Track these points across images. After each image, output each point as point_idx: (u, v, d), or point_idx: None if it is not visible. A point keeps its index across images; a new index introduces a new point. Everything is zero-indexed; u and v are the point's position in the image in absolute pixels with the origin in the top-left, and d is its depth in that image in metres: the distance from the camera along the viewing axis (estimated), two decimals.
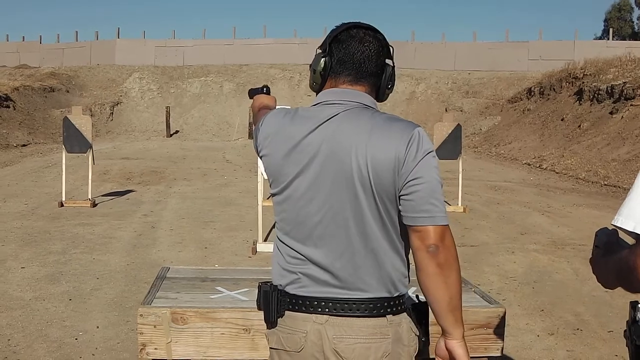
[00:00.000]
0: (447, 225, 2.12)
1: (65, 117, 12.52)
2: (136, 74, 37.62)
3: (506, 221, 11.13)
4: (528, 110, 28.35)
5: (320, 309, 2.16)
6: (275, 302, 2.23)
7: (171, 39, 41.02)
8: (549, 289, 7.22)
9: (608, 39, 41.83)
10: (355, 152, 2.11)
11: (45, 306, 6.26)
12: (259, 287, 2.30)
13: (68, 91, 34.76)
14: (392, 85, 2.35)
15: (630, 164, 17.30)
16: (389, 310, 2.16)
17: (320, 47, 2.32)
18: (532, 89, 29.74)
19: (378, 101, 2.34)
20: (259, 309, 2.30)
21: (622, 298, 6.83)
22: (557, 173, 18.96)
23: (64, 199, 11.95)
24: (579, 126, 22.69)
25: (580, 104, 24.42)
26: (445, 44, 38.71)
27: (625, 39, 45.67)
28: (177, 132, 31.70)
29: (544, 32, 61.51)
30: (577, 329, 5.91)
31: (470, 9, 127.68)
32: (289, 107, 2.33)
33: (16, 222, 10.30)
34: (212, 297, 3.35)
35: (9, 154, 21.82)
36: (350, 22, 2.30)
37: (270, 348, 2.28)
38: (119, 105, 34.70)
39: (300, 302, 2.19)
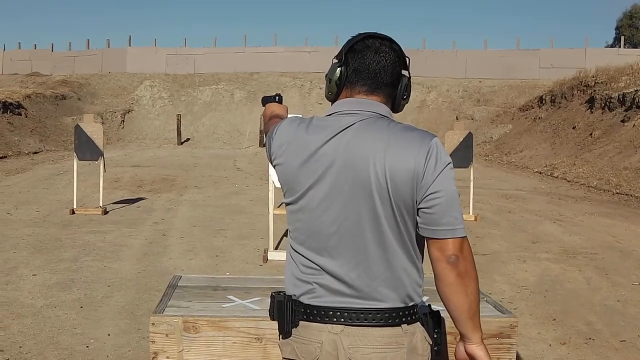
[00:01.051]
0: (465, 236, 2.13)
1: (77, 124, 12.56)
2: (147, 81, 37.76)
3: (517, 230, 11.10)
4: (539, 118, 28.30)
5: (335, 319, 2.16)
6: (289, 312, 2.23)
7: (182, 47, 41.18)
8: (561, 298, 7.18)
9: (619, 47, 41.71)
10: (373, 162, 2.11)
11: (56, 313, 6.26)
12: (272, 297, 2.30)
13: (80, 99, 34.90)
14: (408, 96, 2.35)
15: None
16: (404, 319, 2.17)
17: (336, 57, 2.33)
18: (544, 97, 29.70)
19: (393, 112, 2.34)
20: (272, 319, 2.30)
21: (634, 307, 6.81)
22: (568, 181, 18.90)
23: (75, 207, 11.97)
24: (591, 134, 22.63)
25: (592, 112, 24.36)
26: (456, 52, 38.72)
27: (637, 47, 45.48)
28: (188, 139, 31.77)
29: (555, 39, 61.31)
30: (589, 339, 5.88)
31: (481, 17, 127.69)
32: (302, 116, 2.32)
33: (27, 229, 10.33)
34: (224, 305, 3.35)
35: (20, 161, 21.90)
36: (366, 32, 2.30)
37: (284, 358, 2.28)
38: (130, 112, 34.84)
39: (315, 312, 2.19)
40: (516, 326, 3.06)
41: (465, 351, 2.22)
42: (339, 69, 2.29)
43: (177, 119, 31.32)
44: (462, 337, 2.21)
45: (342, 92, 2.30)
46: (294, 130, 2.26)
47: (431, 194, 2.09)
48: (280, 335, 2.28)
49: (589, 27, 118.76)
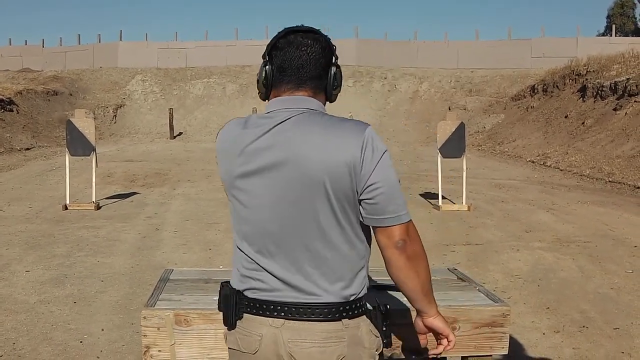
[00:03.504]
0: (410, 220, 2.16)
1: (69, 120, 12.51)
2: (139, 76, 37.69)
3: (511, 219, 11.12)
4: (531, 107, 28.33)
5: (276, 313, 2.19)
6: (233, 305, 2.27)
7: (174, 41, 41.15)
8: (554, 286, 7.20)
9: (611, 36, 41.82)
10: (310, 157, 2.11)
11: (49, 309, 6.25)
12: (220, 289, 2.34)
13: (71, 94, 34.80)
14: (339, 86, 2.36)
15: (634, 160, 17.28)
16: (344, 314, 2.18)
17: (262, 56, 2.33)
18: (536, 86, 29.74)
19: (328, 102, 2.38)
20: (219, 309, 2.34)
21: (627, 295, 6.83)
22: (561, 170, 18.94)
23: (68, 202, 11.95)
24: (583, 123, 22.67)
25: (584, 101, 24.40)
26: (447, 43, 38.75)
27: (628, 36, 45.52)
28: (180, 133, 31.72)
29: (546, 29, 61.33)
30: (583, 327, 5.89)
31: (472, 8, 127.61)
32: (244, 116, 2.34)
33: (20, 225, 10.31)
34: (216, 298, 3.32)
35: (12, 157, 21.84)
36: (289, 28, 2.30)
37: (229, 348, 2.32)
38: (122, 107, 34.76)
39: (258, 305, 2.22)
40: (508, 315, 3.06)
41: (424, 324, 2.31)
42: (264, 68, 2.30)
43: (170, 113, 31.25)
44: (419, 313, 2.30)
45: (271, 91, 2.31)
46: (232, 132, 2.27)
47: (372, 184, 2.10)
48: (227, 327, 2.31)
49: (580, 16, 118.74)
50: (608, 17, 57.40)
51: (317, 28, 2.33)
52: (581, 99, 24.80)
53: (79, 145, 12.18)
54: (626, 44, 31.49)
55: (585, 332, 5.75)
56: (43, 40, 44.06)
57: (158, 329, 2.95)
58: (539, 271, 7.82)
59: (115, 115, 34.03)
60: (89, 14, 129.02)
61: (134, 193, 13.90)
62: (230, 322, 2.28)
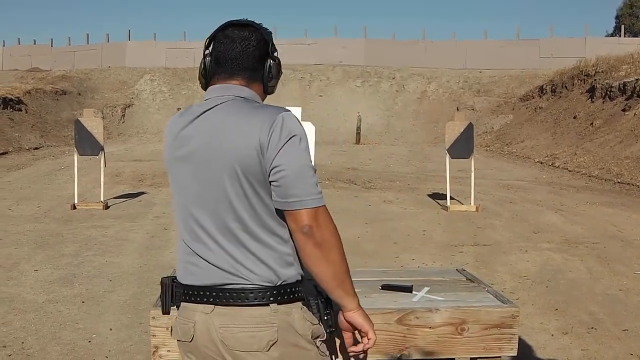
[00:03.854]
0: (321, 206, 2.15)
1: (77, 119, 12.54)
2: (147, 75, 37.76)
3: (519, 220, 11.09)
4: (540, 108, 28.28)
5: (206, 299, 2.22)
6: (169, 293, 2.33)
7: (182, 41, 41.19)
8: (563, 287, 7.18)
9: (620, 36, 41.67)
10: (221, 141, 2.17)
11: (58, 309, 6.27)
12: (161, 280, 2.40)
13: (80, 94, 34.89)
14: (274, 77, 2.40)
15: None
16: (272, 299, 2.19)
17: (204, 48, 2.41)
18: (544, 86, 29.68)
19: (265, 93, 2.43)
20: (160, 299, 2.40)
21: (636, 296, 6.81)
22: (569, 171, 18.90)
23: (76, 202, 11.97)
24: (592, 124, 22.61)
25: (593, 102, 24.34)
26: (456, 43, 38.69)
27: (637, 36, 45.32)
28: None
29: (555, 29, 61.20)
30: (592, 328, 5.88)
31: (480, 7, 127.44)
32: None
33: (29, 225, 10.33)
34: None
35: (21, 156, 21.91)
36: (228, 21, 2.38)
37: (176, 340, 2.36)
38: (130, 107, 34.84)
39: (190, 292, 2.25)
40: (517, 316, 3.05)
41: (344, 319, 2.27)
42: (202, 60, 2.38)
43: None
44: (339, 306, 2.26)
45: (210, 81, 2.37)
46: (174, 118, 2.38)
47: (276, 166, 2.12)
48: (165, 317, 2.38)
49: (589, 16, 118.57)
50: (617, 17, 57.24)
51: (259, 22, 2.41)
52: (590, 99, 24.74)
53: (88, 144, 12.20)
54: (635, 44, 31.40)
55: (594, 334, 5.74)
56: (52, 39, 44.30)
57: (167, 329, 2.96)
58: (548, 272, 7.81)
59: (124, 115, 34.11)
60: (97, 13, 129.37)
61: (142, 193, 13.92)
62: (165, 310, 2.35)
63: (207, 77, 2.37)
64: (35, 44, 44.79)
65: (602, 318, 6.15)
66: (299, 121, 2.20)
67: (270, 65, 2.36)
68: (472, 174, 12.38)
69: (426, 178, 16.80)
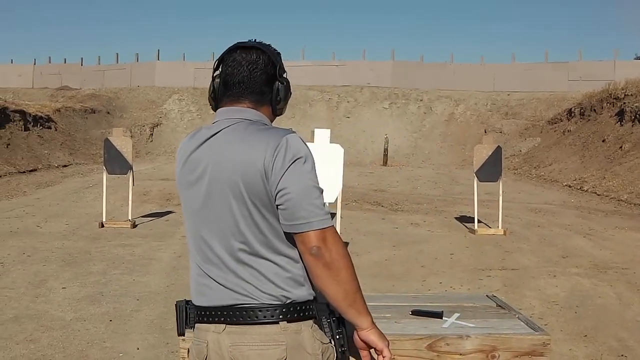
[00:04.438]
0: (328, 227, 2.15)
1: (107, 138, 12.64)
2: (175, 95, 38.04)
3: (547, 244, 11.01)
4: (568, 131, 28.11)
5: (217, 319, 2.24)
6: (183, 315, 2.36)
7: (210, 61, 41.31)
8: (592, 313, 7.10)
9: None
10: (227, 163, 2.19)
11: (85, 327, 6.29)
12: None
13: (109, 112, 35.22)
14: (283, 100, 2.41)
15: None
16: (281, 317, 2.20)
17: (212, 70, 2.45)
18: (572, 109, 29.51)
19: (275, 116, 2.44)
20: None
21: None
22: (598, 195, 18.74)
23: (104, 220, 12.05)
24: (621, 147, 22.43)
25: (622, 125, 24.16)
26: (484, 66, 38.65)
27: None
28: None
29: (583, 51, 60.94)
30: (621, 355, 5.80)
31: (508, 31, 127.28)
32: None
33: (57, 242, 10.41)
34: None
35: (50, 174, 22.11)
36: (236, 44, 2.41)
37: None
38: (158, 126, 35.10)
39: (203, 313, 2.28)
40: (549, 344, 3.01)
41: (359, 338, 2.27)
42: (212, 83, 2.42)
43: None
44: (353, 326, 2.26)
45: (219, 103, 2.40)
46: (185, 140, 2.40)
47: (281, 190, 2.13)
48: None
49: (618, 39, 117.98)
50: None
51: (268, 43, 2.43)
52: (619, 122, 24.56)
53: (116, 163, 12.30)
54: None
55: None
56: (82, 58, 44.75)
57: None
58: (576, 298, 7.73)
59: (152, 134, 34.37)
60: (127, 33, 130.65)
61: (170, 212, 13.98)
62: (180, 332, 2.39)
63: (217, 100, 2.40)
64: (65, 62, 45.30)
65: (632, 345, 6.07)
66: (304, 142, 2.21)
67: (278, 87, 2.38)
68: (500, 197, 12.30)
69: (454, 201, 16.74)
